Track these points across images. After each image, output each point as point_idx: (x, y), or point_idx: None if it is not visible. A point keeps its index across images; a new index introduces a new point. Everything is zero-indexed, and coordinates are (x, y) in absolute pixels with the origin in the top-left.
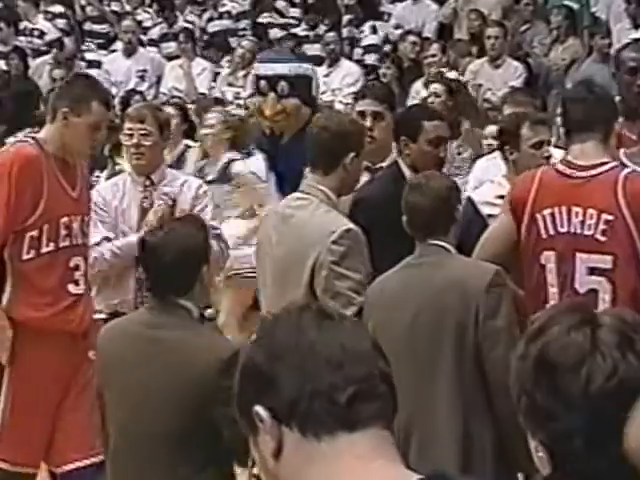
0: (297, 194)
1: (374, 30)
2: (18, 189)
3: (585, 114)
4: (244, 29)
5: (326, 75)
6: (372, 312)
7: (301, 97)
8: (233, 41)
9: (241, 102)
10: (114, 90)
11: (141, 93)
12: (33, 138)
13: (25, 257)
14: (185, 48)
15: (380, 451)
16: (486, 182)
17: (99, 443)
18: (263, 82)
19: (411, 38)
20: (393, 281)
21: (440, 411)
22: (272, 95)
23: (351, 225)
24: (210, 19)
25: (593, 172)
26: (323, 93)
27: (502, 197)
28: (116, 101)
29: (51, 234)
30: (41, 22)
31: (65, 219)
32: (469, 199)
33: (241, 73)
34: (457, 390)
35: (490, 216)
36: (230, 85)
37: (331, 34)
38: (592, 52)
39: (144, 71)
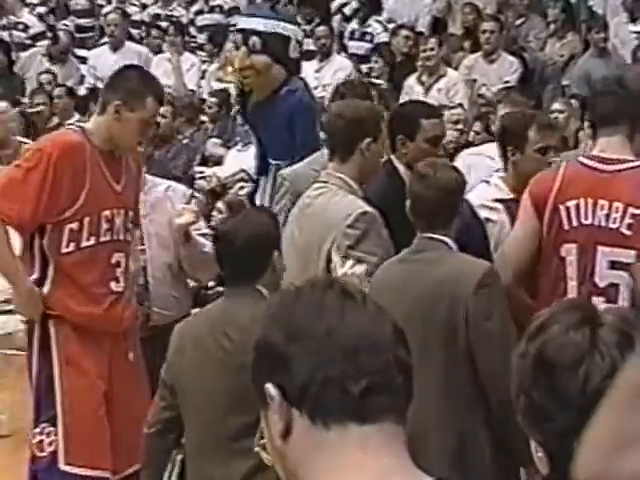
0: (317, 183)
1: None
2: (56, 176)
3: (614, 108)
4: (235, 25)
5: (317, 70)
6: None
7: (273, 55)
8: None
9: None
10: (100, 85)
11: None
12: (79, 127)
13: (64, 250)
14: (174, 42)
15: (390, 447)
16: (480, 183)
17: None
18: (239, 36)
19: (404, 32)
20: (392, 274)
21: (431, 407)
22: (243, 49)
23: (367, 208)
24: (199, 12)
25: (620, 167)
26: (315, 88)
27: (500, 201)
28: None
29: (92, 228)
30: (26, 16)
31: (107, 213)
32: (466, 202)
33: (229, 69)
34: (448, 388)
35: (488, 220)
36: (219, 80)
37: (322, 28)
38: (589, 47)
39: None
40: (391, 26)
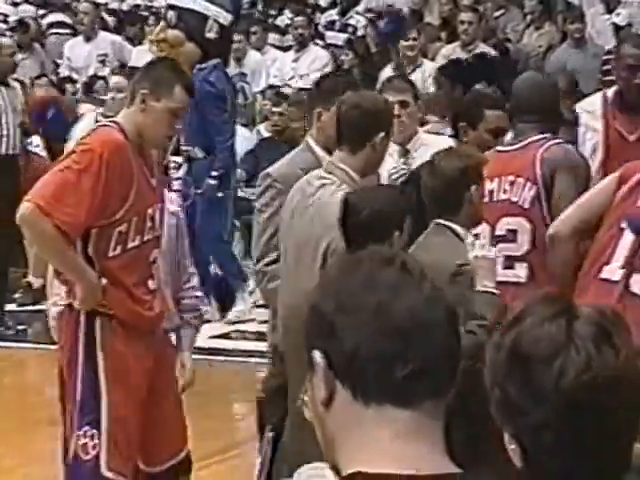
0: (320, 172)
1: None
2: (107, 178)
3: None
4: None
5: (295, 60)
6: None
7: (188, 32)
8: None
9: None
10: (75, 76)
11: (104, 79)
12: (113, 121)
13: (111, 254)
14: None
15: (424, 433)
16: None
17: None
18: (164, 10)
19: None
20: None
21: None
22: (162, 23)
23: None
24: None
25: None
26: (291, 78)
27: None
28: (79, 88)
29: (138, 227)
30: (4, 6)
31: (150, 210)
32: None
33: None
34: None
35: None
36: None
37: (300, 19)
38: (567, 37)
39: (105, 55)
40: (359, 17)
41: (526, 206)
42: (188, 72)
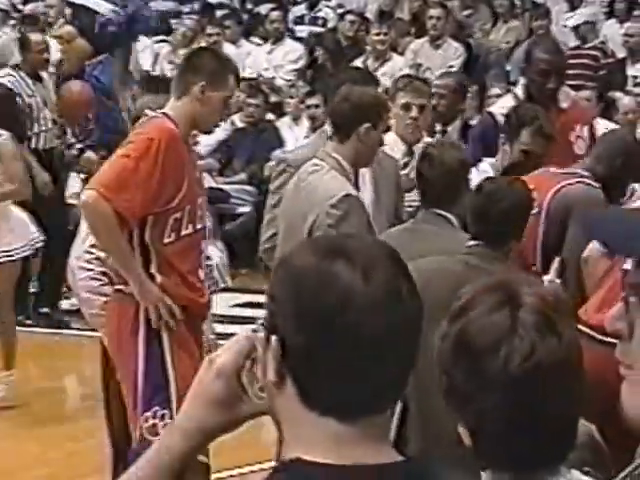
0: (314, 160)
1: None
2: (164, 165)
3: None
4: (188, 13)
5: (269, 52)
6: None
7: (80, 29)
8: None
9: None
10: (51, 69)
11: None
12: (163, 113)
13: (166, 240)
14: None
15: (366, 439)
16: None
17: None
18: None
19: (350, 17)
20: (392, 239)
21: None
22: (61, 19)
23: (352, 191)
24: None
25: None
26: (266, 70)
27: None
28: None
29: (190, 216)
30: None
31: (200, 199)
32: None
33: (182, 51)
34: None
35: None
36: (171, 63)
37: (276, 13)
38: (533, 34)
39: None
40: (329, 11)
41: None
42: (78, 66)
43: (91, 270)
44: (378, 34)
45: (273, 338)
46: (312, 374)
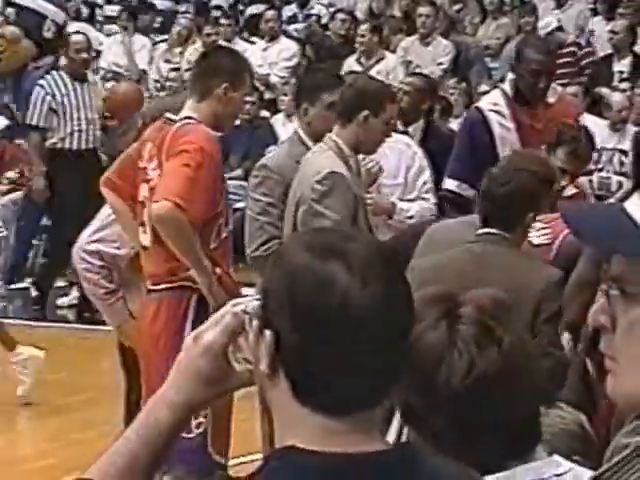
0: (320, 143)
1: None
2: (216, 172)
3: None
4: (184, 12)
5: (264, 49)
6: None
7: (25, 30)
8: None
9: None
10: None
11: None
12: (188, 117)
13: (212, 245)
14: (125, 25)
15: (357, 433)
16: None
17: None
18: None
19: (341, 16)
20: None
21: None
22: (1, 18)
23: (338, 169)
24: None
25: None
26: (260, 66)
27: None
28: None
29: (225, 219)
30: None
31: (223, 202)
32: None
33: (177, 50)
34: None
35: None
36: (167, 62)
37: (270, 12)
38: (521, 31)
39: None
40: (321, 9)
41: None
42: (22, 68)
43: (90, 264)
44: (363, 35)
45: (267, 333)
46: (306, 371)
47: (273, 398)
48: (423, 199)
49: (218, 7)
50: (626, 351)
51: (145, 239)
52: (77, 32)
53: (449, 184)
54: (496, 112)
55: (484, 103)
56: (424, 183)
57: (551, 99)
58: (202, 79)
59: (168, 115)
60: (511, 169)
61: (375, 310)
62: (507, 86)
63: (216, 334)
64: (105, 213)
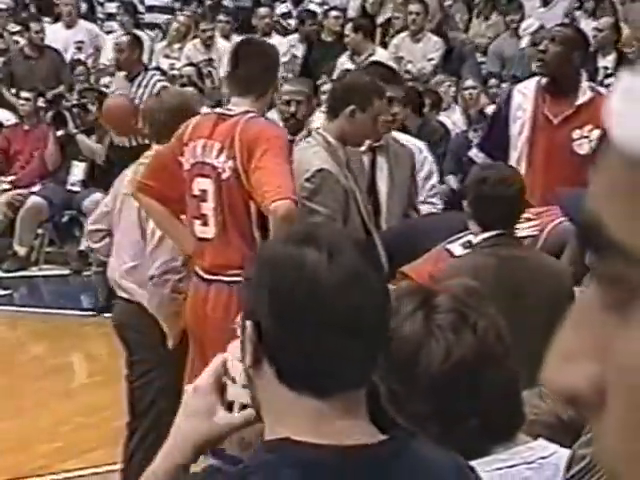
0: (309, 137)
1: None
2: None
3: None
4: (180, 9)
5: None
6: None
7: None
8: (165, 18)
9: (176, 72)
10: None
11: (84, 64)
12: (249, 111)
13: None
14: (123, 21)
15: (343, 414)
16: None
17: None
18: None
19: (334, 13)
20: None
21: None
22: None
23: (325, 166)
24: None
25: None
26: None
27: None
28: None
29: None
30: None
31: None
32: None
33: (176, 46)
34: None
35: None
36: (166, 57)
37: (263, 9)
38: (509, 29)
39: (81, 42)
40: (316, 8)
41: None
42: None
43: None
44: (348, 35)
45: (248, 323)
46: (286, 354)
47: (260, 388)
48: (429, 203)
49: (217, 3)
50: None
51: (206, 231)
52: None
53: (472, 152)
54: (522, 94)
55: (518, 86)
56: (431, 187)
57: (581, 99)
58: (260, 77)
59: (219, 110)
60: (504, 174)
61: (344, 287)
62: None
63: (203, 375)
64: (136, 239)
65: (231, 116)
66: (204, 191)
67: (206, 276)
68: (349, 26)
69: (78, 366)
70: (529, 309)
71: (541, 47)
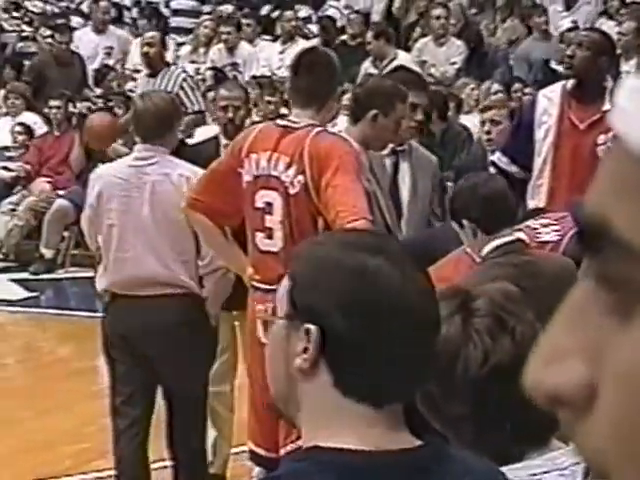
0: None
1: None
2: None
3: None
4: (208, 13)
5: (281, 52)
6: None
7: None
8: (190, 22)
9: (200, 77)
10: None
11: (115, 70)
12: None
13: None
14: (149, 26)
15: (389, 423)
16: None
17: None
18: None
19: (358, 18)
20: None
21: None
22: None
23: None
24: None
25: None
26: (279, 68)
27: None
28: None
29: None
30: None
31: None
32: None
33: (202, 50)
34: None
35: None
36: (192, 62)
37: (288, 13)
38: (532, 31)
39: (111, 48)
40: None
41: None
42: None
43: None
44: (369, 42)
45: (313, 327)
46: (355, 362)
47: (305, 391)
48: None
49: (239, 8)
50: None
51: (271, 244)
52: None
53: (495, 156)
54: (548, 98)
55: (544, 90)
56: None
57: (607, 104)
58: (318, 89)
59: (282, 122)
60: (484, 174)
61: (422, 301)
62: (570, 82)
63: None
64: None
65: (296, 129)
66: (269, 204)
67: (269, 287)
68: (370, 34)
69: (103, 368)
70: (551, 312)
71: (568, 52)
